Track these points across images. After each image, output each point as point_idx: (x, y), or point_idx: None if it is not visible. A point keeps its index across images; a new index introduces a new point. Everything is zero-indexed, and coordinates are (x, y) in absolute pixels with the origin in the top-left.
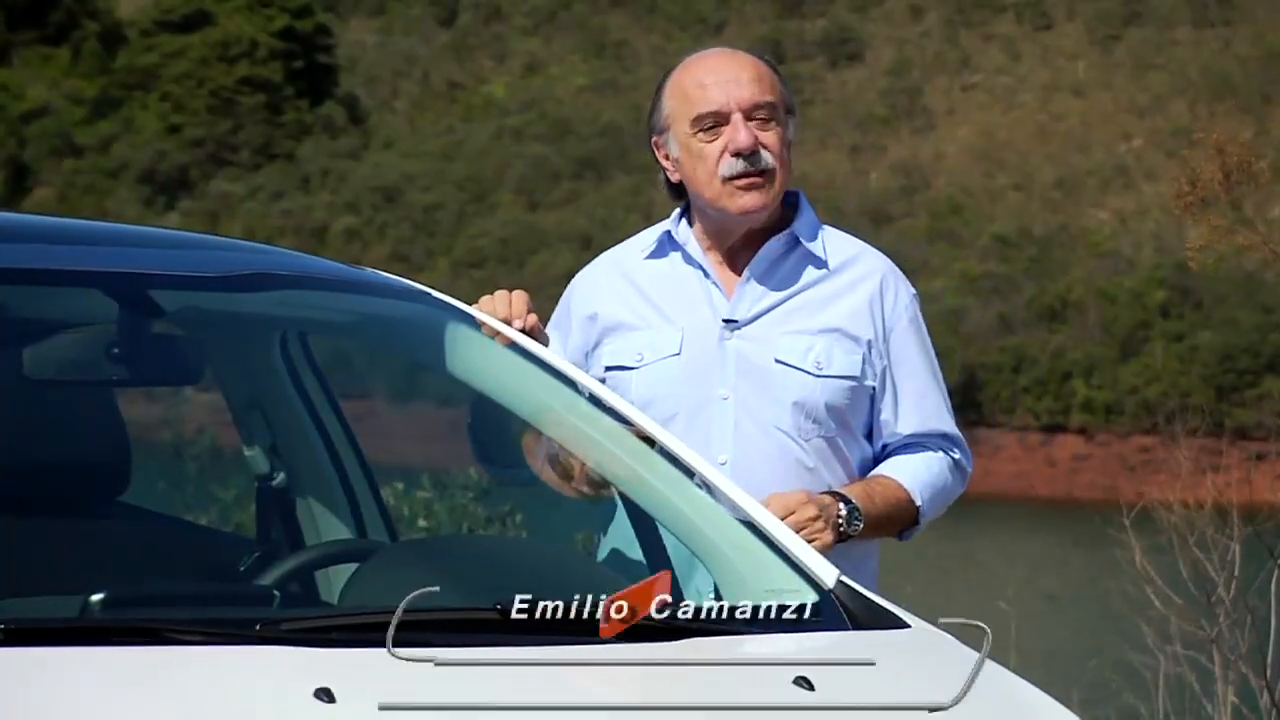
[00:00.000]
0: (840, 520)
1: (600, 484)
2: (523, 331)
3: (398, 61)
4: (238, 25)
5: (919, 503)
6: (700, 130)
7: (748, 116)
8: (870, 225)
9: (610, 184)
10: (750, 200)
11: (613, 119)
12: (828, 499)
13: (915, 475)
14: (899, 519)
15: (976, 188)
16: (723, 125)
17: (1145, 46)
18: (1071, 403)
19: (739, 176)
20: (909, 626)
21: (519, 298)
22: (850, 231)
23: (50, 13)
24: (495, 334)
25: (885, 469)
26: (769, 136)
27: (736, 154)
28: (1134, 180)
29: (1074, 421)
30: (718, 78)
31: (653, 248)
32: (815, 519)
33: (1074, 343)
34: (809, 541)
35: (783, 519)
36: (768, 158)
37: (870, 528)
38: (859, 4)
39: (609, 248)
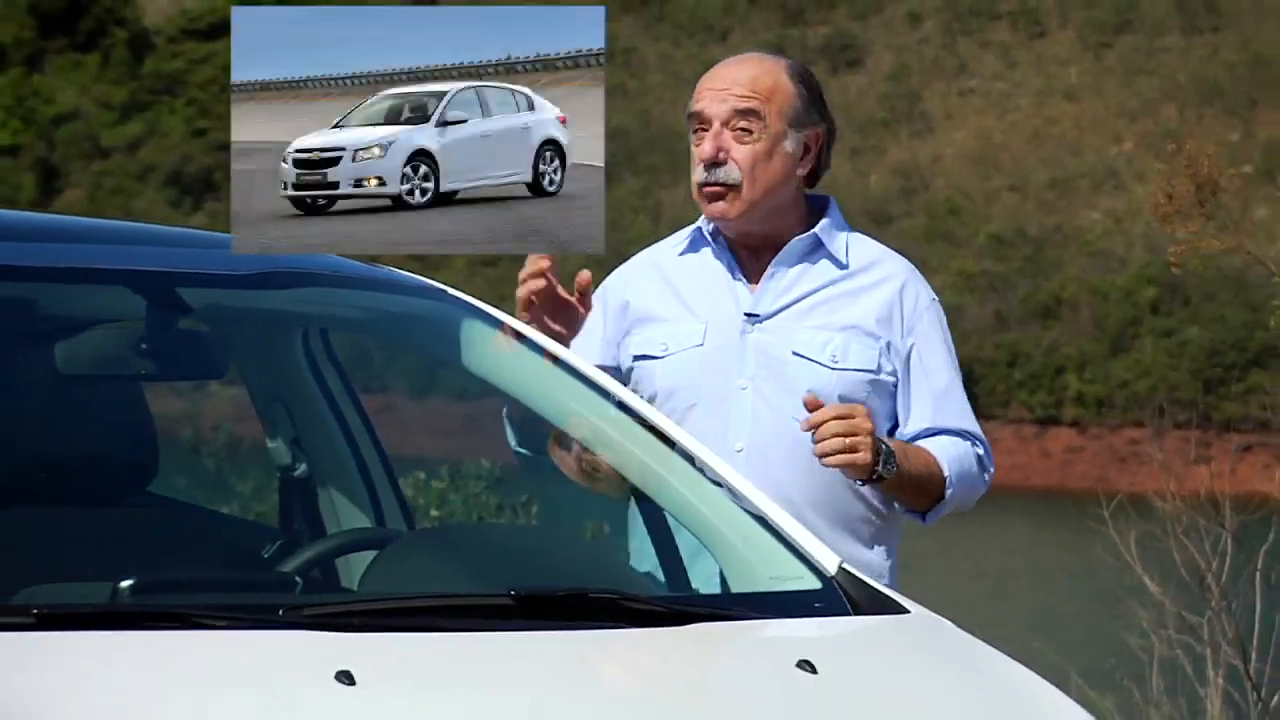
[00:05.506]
0: (881, 451)
1: (619, 480)
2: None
3: None
4: None
5: (946, 473)
6: (693, 130)
7: (728, 126)
8: (871, 225)
9: (619, 185)
10: (715, 209)
11: (621, 123)
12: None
13: (944, 450)
14: (927, 487)
15: (973, 189)
16: (707, 129)
17: (1136, 53)
18: (1064, 396)
19: (705, 184)
20: (909, 612)
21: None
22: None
23: (80, 20)
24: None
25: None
26: (741, 150)
27: (700, 162)
28: (1125, 182)
29: (1067, 415)
30: (714, 84)
31: (686, 244)
32: (867, 434)
33: (1067, 338)
34: (852, 452)
35: (839, 417)
36: (733, 171)
37: (901, 482)
38: (859, 12)
39: (617, 246)
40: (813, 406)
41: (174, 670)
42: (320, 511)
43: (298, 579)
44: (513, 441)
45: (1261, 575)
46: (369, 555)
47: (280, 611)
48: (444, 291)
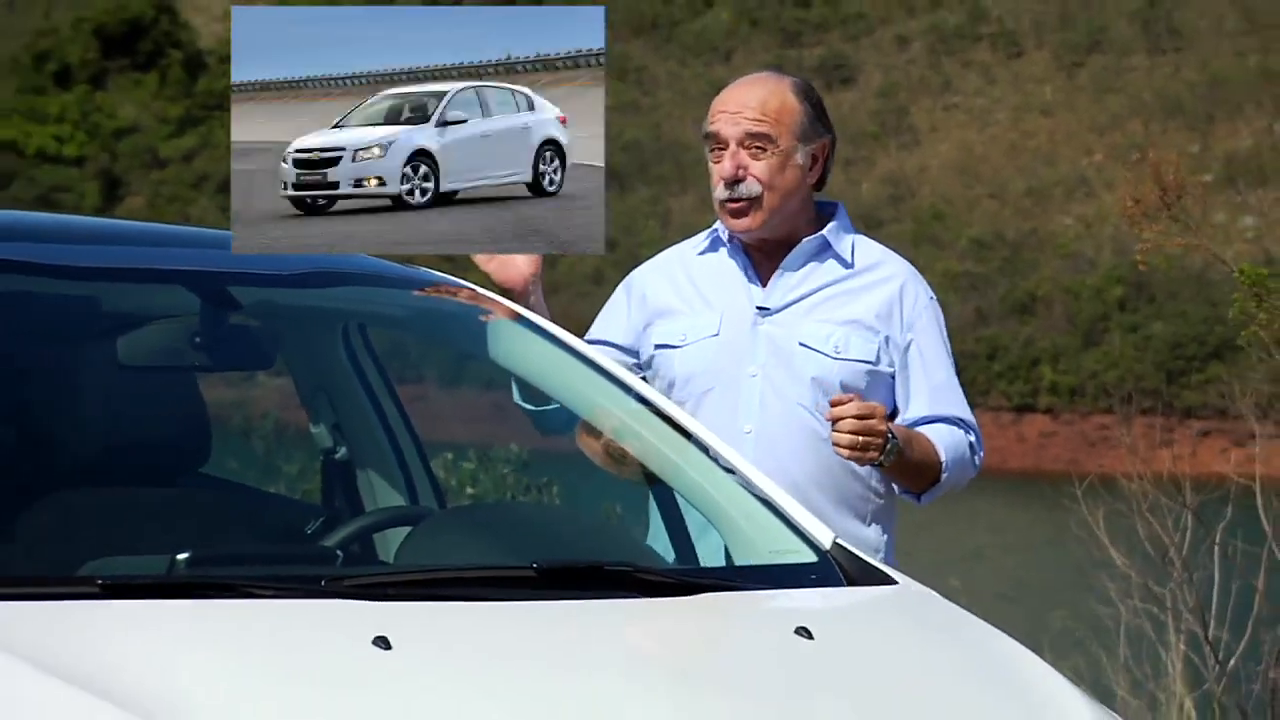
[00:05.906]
0: (887, 443)
1: (640, 465)
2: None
3: None
4: None
5: (943, 458)
6: (710, 150)
7: (743, 145)
8: (862, 230)
9: (632, 194)
10: (737, 223)
11: (634, 136)
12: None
13: (941, 438)
14: (924, 472)
15: (956, 197)
16: (725, 149)
17: (1105, 72)
18: (1040, 386)
19: (728, 201)
20: (897, 583)
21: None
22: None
23: (140, 42)
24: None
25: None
26: (759, 166)
27: (721, 180)
28: (1095, 190)
29: (1042, 403)
30: (728, 107)
31: (705, 244)
32: (880, 437)
33: (1042, 333)
34: (862, 450)
35: (860, 415)
36: (753, 186)
37: (901, 467)
38: (852, 34)
39: (630, 249)
40: (838, 402)
41: (225, 635)
42: (359, 491)
43: (339, 552)
44: (517, 397)
45: (1220, 549)
46: (404, 531)
47: (323, 582)
48: (473, 290)
